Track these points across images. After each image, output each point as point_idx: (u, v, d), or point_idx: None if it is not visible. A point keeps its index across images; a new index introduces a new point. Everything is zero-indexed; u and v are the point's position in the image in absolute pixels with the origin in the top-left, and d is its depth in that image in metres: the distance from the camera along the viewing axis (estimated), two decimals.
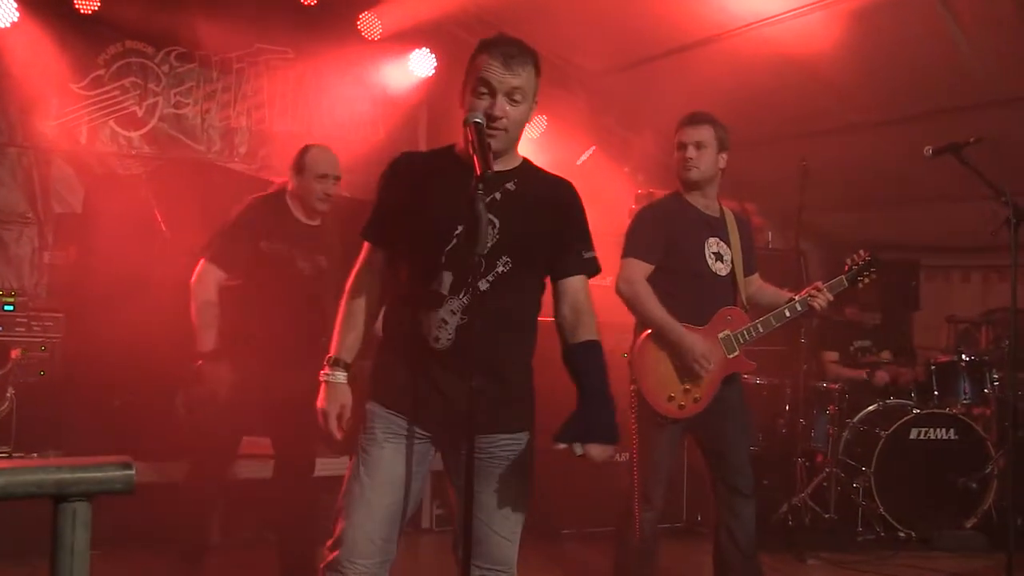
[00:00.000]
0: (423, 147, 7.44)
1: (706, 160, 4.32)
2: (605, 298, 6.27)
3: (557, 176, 3.15)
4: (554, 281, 3.05)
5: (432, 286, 2.88)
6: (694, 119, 4.38)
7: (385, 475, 2.90)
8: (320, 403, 3.02)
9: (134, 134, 6.98)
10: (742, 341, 4.29)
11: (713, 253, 4.32)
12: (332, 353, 3.05)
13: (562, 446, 2.84)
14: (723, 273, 4.33)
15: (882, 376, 6.54)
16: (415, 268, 2.96)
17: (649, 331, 4.29)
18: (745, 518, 4.33)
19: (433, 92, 7.51)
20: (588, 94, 7.84)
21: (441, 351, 2.89)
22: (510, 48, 2.89)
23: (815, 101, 6.45)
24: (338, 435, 2.99)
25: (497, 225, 2.88)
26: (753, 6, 5.99)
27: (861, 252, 4.51)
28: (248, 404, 4.46)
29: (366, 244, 3.10)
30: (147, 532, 5.27)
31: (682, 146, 4.35)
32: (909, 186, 6.65)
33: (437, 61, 7.40)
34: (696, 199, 4.38)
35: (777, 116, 6.75)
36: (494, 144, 2.84)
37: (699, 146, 4.31)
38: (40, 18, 6.38)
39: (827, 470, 6.06)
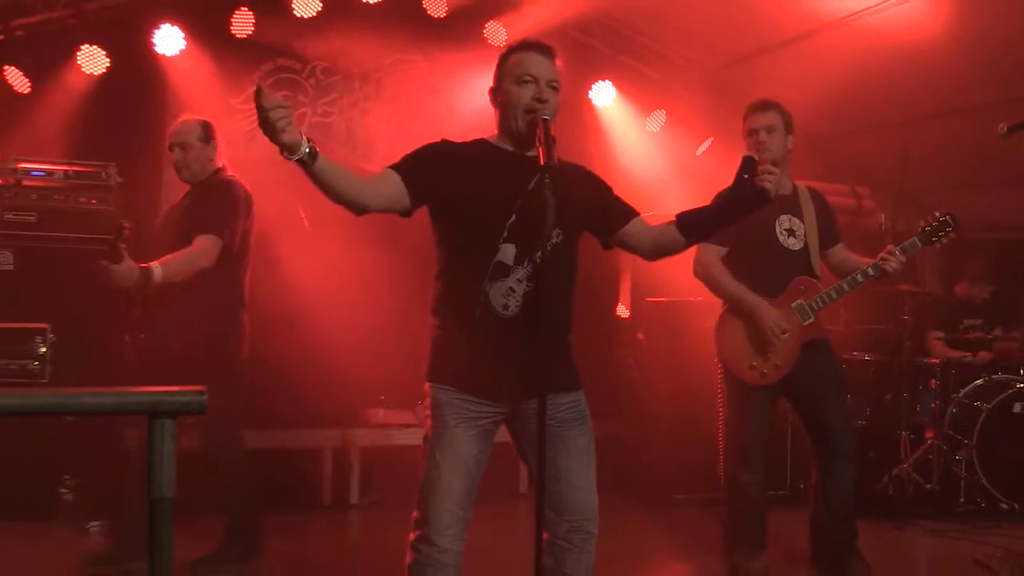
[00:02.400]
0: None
1: (777, 142, 4.45)
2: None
3: (571, 161, 3.31)
4: (618, 233, 3.29)
5: (497, 258, 3.06)
6: (761, 105, 4.53)
7: (458, 457, 3.05)
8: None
9: None
10: (816, 308, 4.40)
11: (785, 229, 4.44)
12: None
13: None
14: (796, 247, 4.45)
15: (983, 356, 6.46)
16: (477, 246, 3.09)
17: (727, 305, 4.49)
18: (842, 481, 4.43)
19: None
20: (705, 87, 7.95)
21: (510, 318, 3.06)
22: (543, 45, 3.18)
23: (921, 85, 6.41)
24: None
25: (551, 200, 3.04)
26: None
27: (936, 213, 4.51)
28: None
29: (387, 172, 3.05)
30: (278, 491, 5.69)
31: (753, 132, 4.50)
32: (1016, 166, 6.52)
33: (560, 63, 7.61)
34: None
35: (884, 101, 6.72)
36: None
37: (770, 130, 4.46)
38: (202, 44, 6.94)
39: (930, 442, 6.04)
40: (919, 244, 4.49)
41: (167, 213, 4.90)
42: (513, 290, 3.06)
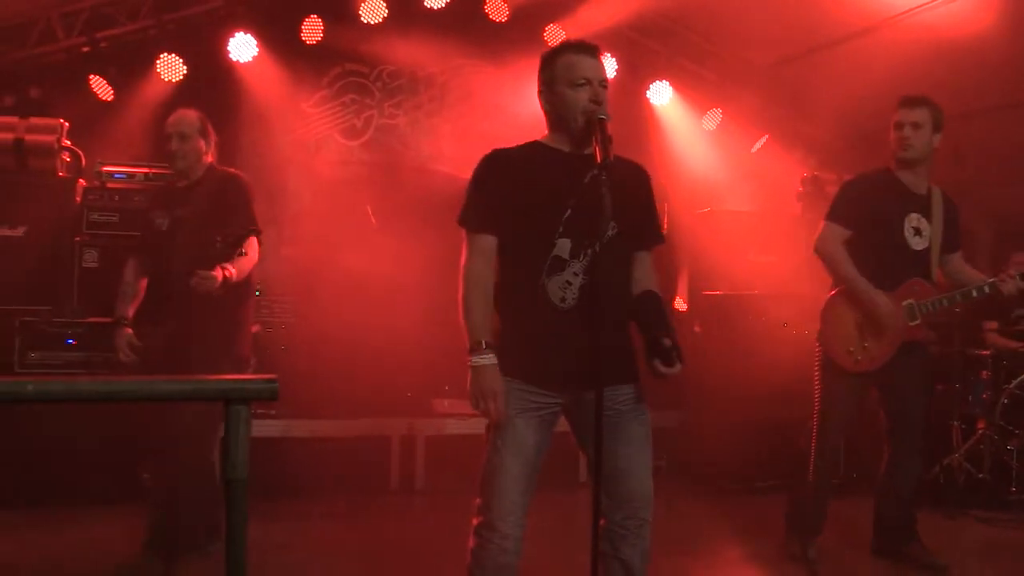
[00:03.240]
0: None
1: (921, 140, 4.34)
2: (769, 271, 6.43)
3: (633, 161, 3.32)
4: (634, 252, 3.26)
5: (554, 252, 3.06)
6: (912, 101, 4.39)
7: (518, 446, 3.06)
8: (476, 388, 3.01)
9: (354, 143, 7.62)
10: (924, 311, 4.33)
11: (913, 227, 4.37)
12: (477, 336, 3.03)
13: (667, 343, 3.02)
14: (919, 247, 4.38)
15: None
16: (534, 241, 3.10)
17: (839, 288, 4.44)
18: (909, 471, 4.46)
19: (613, 91, 7.71)
20: (759, 86, 7.90)
21: (567, 310, 3.07)
22: (589, 45, 3.16)
23: (973, 81, 6.28)
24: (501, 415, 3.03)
25: (608, 197, 3.07)
26: None
27: None
28: None
29: (474, 232, 3.13)
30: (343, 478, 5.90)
31: (899, 126, 4.37)
32: None
33: (617, 64, 7.63)
34: (905, 176, 4.41)
35: (937, 97, 6.59)
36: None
37: (916, 126, 4.34)
38: (274, 51, 7.08)
39: (981, 432, 5.95)
40: None
41: (164, 211, 4.53)
42: (570, 283, 3.06)
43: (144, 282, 4.62)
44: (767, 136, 7.93)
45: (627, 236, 3.17)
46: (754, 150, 7.98)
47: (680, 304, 7.36)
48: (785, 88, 7.78)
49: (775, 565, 4.57)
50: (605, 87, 3.12)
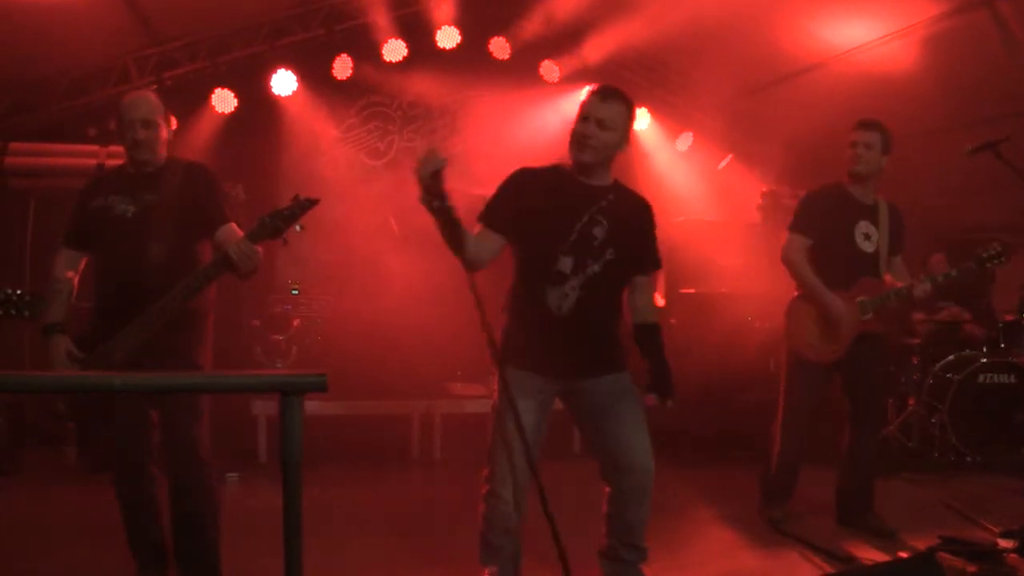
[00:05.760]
0: None
1: (872, 158, 4.31)
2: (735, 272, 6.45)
3: (639, 194, 3.34)
4: (633, 277, 3.29)
5: (557, 268, 3.10)
6: (867, 124, 4.35)
7: (520, 423, 3.06)
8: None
9: (378, 163, 7.65)
10: (874, 306, 4.33)
11: (863, 233, 4.36)
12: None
13: (656, 399, 3.20)
14: (869, 250, 4.37)
15: (950, 312, 6.46)
16: (542, 255, 3.13)
17: (800, 292, 4.46)
18: (869, 448, 4.47)
19: None
20: (724, 114, 7.93)
21: (564, 317, 3.12)
22: (607, 89, 3.17)
23: (905, 109, 6.32)
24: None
25: (606, 225, 3.14)
26: (848, 36, 6.02)
27: (995, 243, 4.35)
28: None
29: (479, 222, 3.12)
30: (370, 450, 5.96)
31: (854, 144, 4.34)
32: (977, 176, 6.42)
33: None
34: (855, 189, 4.40)
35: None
36: (584, 157, 3.11)
37: (868, 146, 4.31)
38: (311, 86, 7.14)
39: (911, 408, 6.03)
40: (974, 267, 4.37)
41: (127, 196, 3.36)
42: (567, 295, 3.11)
43: (76, 281, 3.46)
44: (731, 156, 7.98)
45: (624, 261, 3.19)
46: (720, 167, 8.03)
47: (659, 300, 7.41)
48: (746, 115, 7.81)
49: (744, 523, 4.60)
50: (606, 128, 3.08)
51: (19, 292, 3.11)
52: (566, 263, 3.11)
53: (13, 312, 3.10)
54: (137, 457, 3.36)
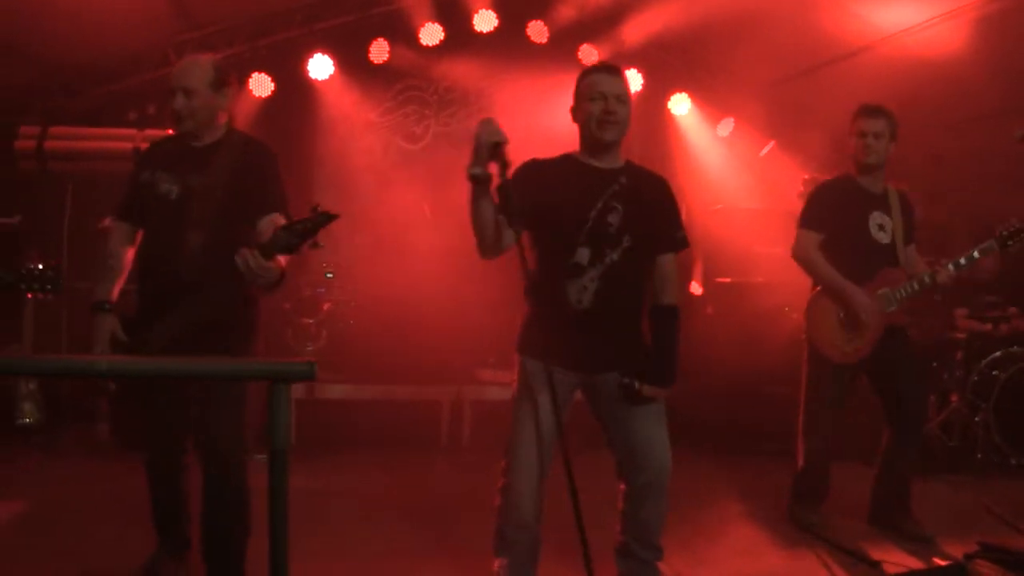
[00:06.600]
0: (635, 145, 7.62)
1: (881, 147, 4.16)
2: (773, 262, 6.29)
3: (653, 172, 3.21)
4: (656, 256, 3.13)
5: (574, 259, 2.99)
6: (873, 111, 4.18)
7: (538, 417, 3.00)
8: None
9: (415, 147, 7.59)
10: (899, 298, 4.14)
11: (876, 224, 4.18)
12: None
13: (627, 381, 3.01)
14: (885, 241, 4.19)
15: (1002, 329, 6.12)
16: (558, 247, 3.02)
17: (819, 288, 4.25)
18: (909, 451, 4.23)
19: (640, 103, 7.64)
20: (767, 98, 7.68)
21: (582, 310, 3.01)
22: (608, 65, 3.11)
23: (951, 94, 6.08)
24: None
25: (621, 210, 3.01)
26: (894, 19, 5.77)
27: (1013, 220, 4.17)
28: None
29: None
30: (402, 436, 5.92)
31: (862, 134, 4.16)
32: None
33: (642, 77, 7.52)
34: (864, 179, 4.24)
35: (919, 109, 6.40)
36: (609, 135, 3.00)
37: (877, 136, 4.14)
38: (347, 70, 7.10)
39: (953, 405, 5.77)
40: (995, 247, 4.17)
41: (174, 175, 3.16)
42: (586, 287, 3.01)
43: (131, 256, 3.27)
44: (773, 142, 7.76)
45: (643, 246, 3.06)
46: (762, 154, 7.82)
47: (696, 289, 7.25)
48: (789, 100, 7.58)
49: (770, 521, 4.45)
50: (623, 103, 3.00)
51: (40, 267, 3.07)
52: (583, 254, 3.00)
53: (36, 287, 3.09)
54: (168, 445, 3.31)
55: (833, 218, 4.20)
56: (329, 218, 2.79)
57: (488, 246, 2.90)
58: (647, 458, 3.06)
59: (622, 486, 3.17)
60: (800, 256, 4.26)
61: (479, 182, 2.75)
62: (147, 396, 3.27)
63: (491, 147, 2.69)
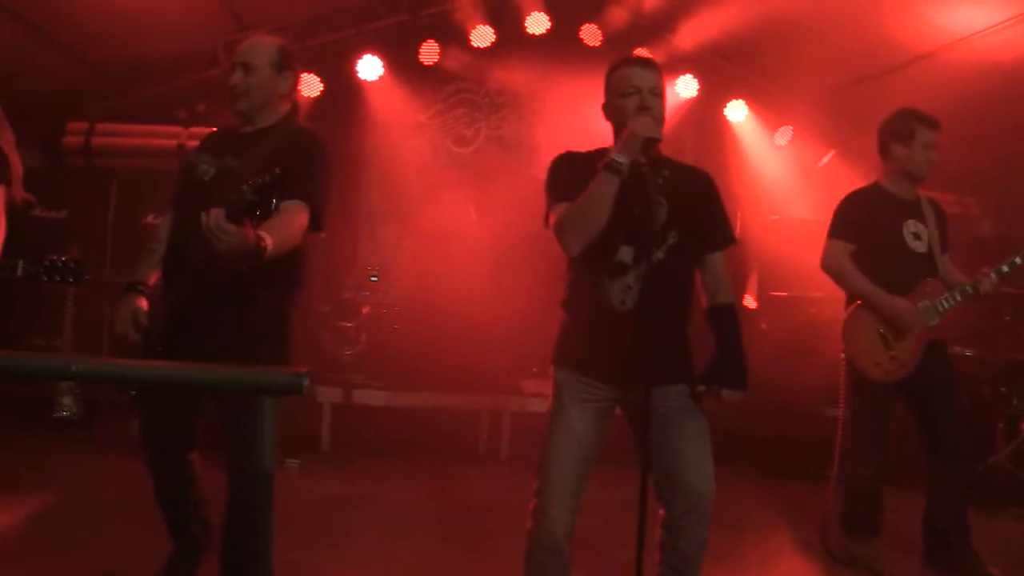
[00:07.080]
0: (690, 153, 7.40)
1: (933, 159, 3.95)
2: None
3: (695, 167, 3.01)
4: (703, 255, 2.92)
5: (617, 258, 2.79)
6: (937, 123, 3.94)
7: (573, 435, 2.83)
8: None
9: (465, 150, 7.47)
10: (941, 309, 3.86)
11: (911, 233, 3.91)
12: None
13: (702, 388, 2.78)
14: (921, 251, 3.91)
15: None
16: (600, 245, 2.78)
17: (858, 302, 3.95)
18: (954, 471, 3.89)
19: (695, 109, 7.44)
20: (827, 106, 7.38)
21: (626, 312, 2.79)
22: (641, 58, 2.89)
23: (1019, 102, 5.73)
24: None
25: (665, 205, 2.81)
26: (964, 22, 5.44)
27: None
28: None
29: (555, 203, 2.82)
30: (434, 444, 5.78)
31: (931, 147, 3.92)
32: None
33: (698, 83, 7.30)
34: (896, 187, 3.99)
35: (990, 115, 6.06)
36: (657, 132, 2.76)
37: (936, 148, 3.94)
38: (397, 72, 7.03)
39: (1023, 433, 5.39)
40: (1018, 261, 3.88)
41: (214, 157, 3.03)
42: (630, 287, 2.78)
43: None
44: (833, 152, 7.46)
45: (689, 244, 2.85)
46: (821, 164, 7.52)
47: (750, 302, 6.99)
48: (850, 108, 7.28)
49: (818, 550, 4.14)
50: (657, 95, 2.78)
51: (63, 259, 3.01)
52: (626, 252, 2.78)
53: (58, 278, 3.01)
54: (167, 446, 3.14)
55: (865, 228, 3.93)
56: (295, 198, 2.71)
57: (590, 239, 2.72)
58: (688, 483, 2.81)
59: (661, 512, 2.94)
60: (830, 267, 3.97)
61: (619, 172, 2.63)
62: (148, 396, 3.12)
63: (646, 141, 2.62)
